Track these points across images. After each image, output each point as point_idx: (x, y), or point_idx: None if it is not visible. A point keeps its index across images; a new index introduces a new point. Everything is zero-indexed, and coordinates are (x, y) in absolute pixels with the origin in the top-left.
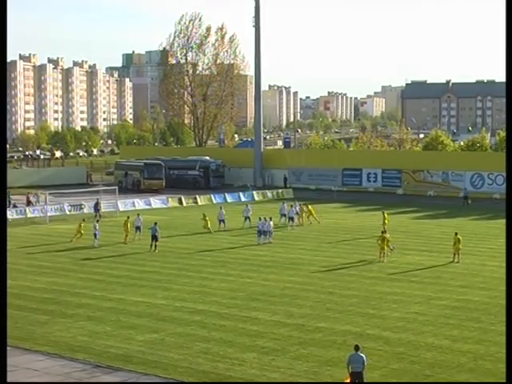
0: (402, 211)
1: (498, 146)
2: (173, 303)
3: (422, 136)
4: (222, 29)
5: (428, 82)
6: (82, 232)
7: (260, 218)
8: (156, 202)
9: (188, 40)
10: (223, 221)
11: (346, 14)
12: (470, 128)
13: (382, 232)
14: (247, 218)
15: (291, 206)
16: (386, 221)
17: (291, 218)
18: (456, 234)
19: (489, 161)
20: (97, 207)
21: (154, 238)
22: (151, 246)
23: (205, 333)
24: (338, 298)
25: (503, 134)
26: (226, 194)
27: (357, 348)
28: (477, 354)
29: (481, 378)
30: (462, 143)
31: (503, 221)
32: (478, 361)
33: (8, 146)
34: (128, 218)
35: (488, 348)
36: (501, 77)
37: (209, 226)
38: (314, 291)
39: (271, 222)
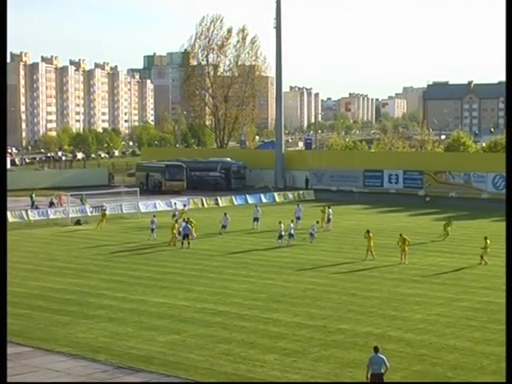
0: (423, 212)
1: None
2: (194, 304)
3: (443, 137)
4: (243, 30)
5: (450, 82)
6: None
7: (280, 221)
8: (178, 203)
9: (209, 41)
10: (257, 219)
11: (367, 14)
12: (492, 129)
13: (400, 234)
14: (298, 218)
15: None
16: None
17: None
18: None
19: None
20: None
21: (186, 236)
22: (182, 243)
23: (226, 334)
24: (359, 300)
25: None
26: (247, 196)
27: (376, 349)
28: (499, 355)
29: (503, 380)
30: (484, 144)
31: None
32: (500, 363)
33: (30, 147)
34: (176, 221)
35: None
36: None
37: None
38: (336, 293)
39: (292, 224)
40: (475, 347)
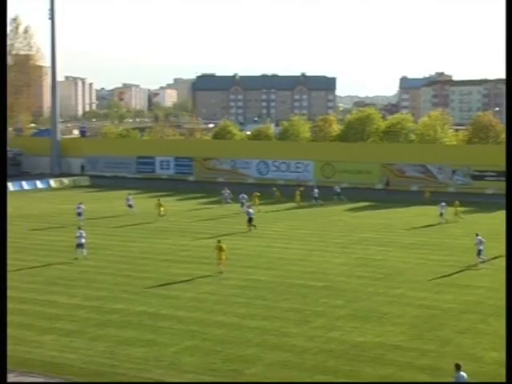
0: (191, 197)
1: (281, 136)
2: None
3: (211, 126)
4: (15, 20)
5: (217, 74)
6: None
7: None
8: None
9: None
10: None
11: (138, 5)
12: (256, 118)
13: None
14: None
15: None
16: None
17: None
18: (219, 241)
19: (273, 149)
20: None
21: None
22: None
23: None
24: (133, 281)
25: (286, 124)
26: (23, 182)
27: (458, 367)
28: (263, 329)
29: (266, 352)
30: (248, 133)
31: (284, 205)
32: (263, 336)
33: None
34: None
35: (273, 323)
36: (283, 71)
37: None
38: (111, 274)
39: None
40: (241, 322)
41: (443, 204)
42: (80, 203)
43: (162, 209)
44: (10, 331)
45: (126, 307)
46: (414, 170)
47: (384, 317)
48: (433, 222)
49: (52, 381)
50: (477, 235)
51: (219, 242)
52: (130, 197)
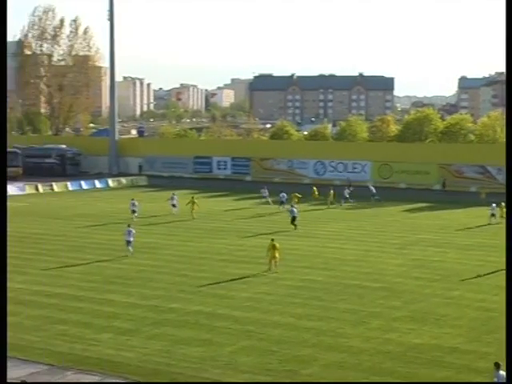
0: (249, 197)
1: (338, 136)
2: (30, 287)
3: (268, 126)
4: (75, 21)
5: (274, 75)
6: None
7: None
8: (13, 188)
9: (42, 31)
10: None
11: (198, 7)
12: (313, 119)
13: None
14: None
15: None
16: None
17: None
18: (272, 240)
19: (330, 149)
20: None
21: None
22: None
23: (62, 315)
24: (190, 280)
25: (344, 124)
26: (82, 182)
27: (498, 366)
28: (319, 329)
29: (322, 353)
30: (305, 133)
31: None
32: (320, 336)
33: None
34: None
35: (329, 324)
36: (341, 71)
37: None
38: (168, 274)
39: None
40: (297, 322)
41: (494, 205)
42: (133, 199)
43: (195, 207)
44: (67, 329)
45: (182, 306)
46: (472, 170)
47: (442, 319)
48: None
49: (107, 380)
50: None
51: (273, 240)
52: (175, 196)
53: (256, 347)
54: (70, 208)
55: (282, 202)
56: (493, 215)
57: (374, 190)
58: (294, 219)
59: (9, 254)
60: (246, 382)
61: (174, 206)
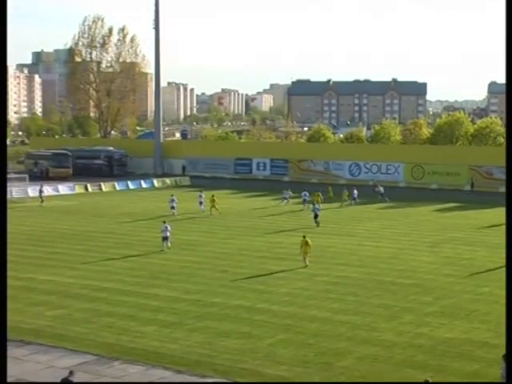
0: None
1: (373, 139)
2: (80, 281)
3: (306, 129)
4: (123, 30)
5: (311, 80)
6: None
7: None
8: (64, 188)
9: (92, 40)
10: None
11: (237, 16)
12: (349, 122)
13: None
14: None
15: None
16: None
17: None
18: (304, 236)
19: (365, 151)
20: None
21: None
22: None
23: (109, 308)
24: (230, 276)
25: (378, 127)
26: (129, 182)
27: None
28: (354, 324)
29: (357, 346)
30: (341, 136)
31: (375, 205)
32: (355, 330)
33: None
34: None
35: (364, 319)
36: (375, 76)
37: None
38: (209, 269)
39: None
40: (333, 317)
41: None
42: (172, 195)
43: (216, 206)
44: (114, 321)
45: (223, 301)
46: (501, 172)
47: (472, 314)
48: None
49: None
50: None
51: (304, 237)
52: (203, 194)
53: (293, 340)
54: (117, 207)
55: (304, 200)
56: None
57: (383, 190)
58: (316, 217)
59: (59, 251)
60: (253, 382)
61: (200, 203)
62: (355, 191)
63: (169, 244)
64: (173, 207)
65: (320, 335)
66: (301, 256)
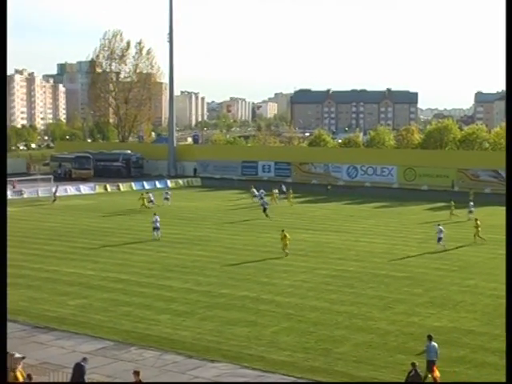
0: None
1: (369, 143)
2: (99, 274)
3: (307, 134)
4: (140, 43)
5: (312, 89)
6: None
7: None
8: (85, 188)
9: (111, 52)
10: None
11: (241, 31)
12: (347, 128)
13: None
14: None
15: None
16: None
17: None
18: (283, 230)
19: (362, 155)
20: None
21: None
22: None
23: (126, 298)
24: (237, 269)
25: (373, 133)
26: (144, 182)
27: (430, 338)
28: (351, 313)
29: (353, 333)
30: (340, 141)
31: (371, 204)
32: (351, 319)
33: None
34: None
35: (360, 309)
36: (371, 86)
37: None
38: (218, 263)
39: None
40: (332, 307)
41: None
42: (166, 191)
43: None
44: (131, 310)
45: (231, 292)
46: (487, 174)
47: (459, 304)
48: (501, 221)
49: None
50: (438, 225)
51: (283, 231)
52: (169, 192)
53: (295, 328)
54: (134, 205)
55: (260, 197)
56: (470, 212)
57: (285, 189)
58: (264, 210)
59: (81, 245)
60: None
61: (166, 199)
62: (283, 186)
63: (159, 234)
64: (166, 198)
65: (320, 324)
66: (282, 248)
